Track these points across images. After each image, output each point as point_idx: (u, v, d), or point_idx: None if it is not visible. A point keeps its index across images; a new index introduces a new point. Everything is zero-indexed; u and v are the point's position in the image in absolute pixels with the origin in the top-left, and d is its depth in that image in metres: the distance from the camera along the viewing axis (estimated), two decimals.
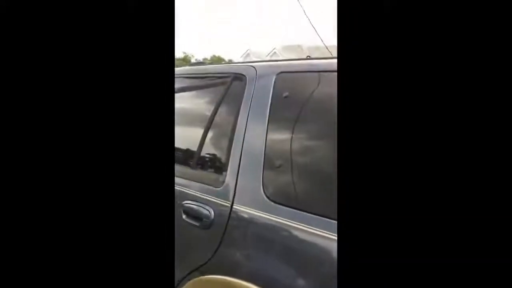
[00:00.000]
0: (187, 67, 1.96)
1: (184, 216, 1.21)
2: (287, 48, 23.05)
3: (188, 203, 1.22)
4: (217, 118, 1.34)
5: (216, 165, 1.27)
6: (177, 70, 1.83)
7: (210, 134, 1.33)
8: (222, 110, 1.35)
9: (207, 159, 1.33)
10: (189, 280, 1.18)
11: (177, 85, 1.72)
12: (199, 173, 1.30)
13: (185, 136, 1.51)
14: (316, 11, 4.46)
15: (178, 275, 1.24)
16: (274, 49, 25.13)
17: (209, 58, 32.24)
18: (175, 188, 1.31)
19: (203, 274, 1.14)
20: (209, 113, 1.39)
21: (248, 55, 26.36)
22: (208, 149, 1.34)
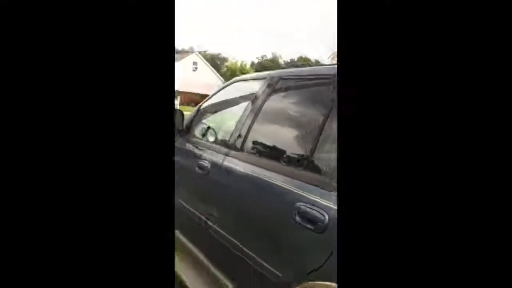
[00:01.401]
0: (290, 69, 1.96)
1: (298, 218, 1.21)
2: None
3: (302, 205, 1.21)
4: (328, 122, 1.31)
5: (328, 169, 1.24)
6: (278, 72, 1.86)
7: (322, 137, 1.31)
8: (333, 113, 1.32)
9: (319, 162, 1.31)
10: (297, 284, 1.17)
11: (280, 86, 1.74)
12: (311, 175, 1.28)
13: (297, 139, 1.51)
14: None
15: (286, 277, 1.24)
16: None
17: (295, 59, 32.37)
18: (288, 188, 1.31)
19: (313, 279, 1.12)
20: (315, 116, 1.38)
21: (335, 56, 25.86)
22: (320, 152, 1.32)
